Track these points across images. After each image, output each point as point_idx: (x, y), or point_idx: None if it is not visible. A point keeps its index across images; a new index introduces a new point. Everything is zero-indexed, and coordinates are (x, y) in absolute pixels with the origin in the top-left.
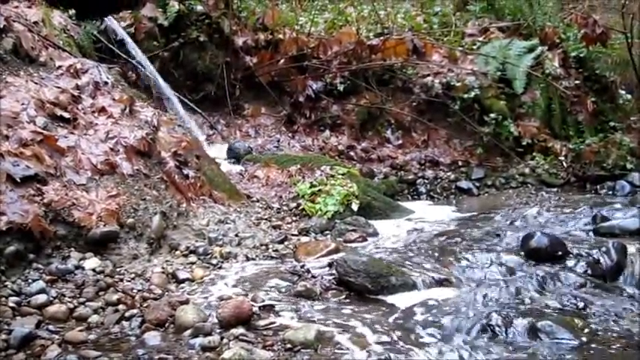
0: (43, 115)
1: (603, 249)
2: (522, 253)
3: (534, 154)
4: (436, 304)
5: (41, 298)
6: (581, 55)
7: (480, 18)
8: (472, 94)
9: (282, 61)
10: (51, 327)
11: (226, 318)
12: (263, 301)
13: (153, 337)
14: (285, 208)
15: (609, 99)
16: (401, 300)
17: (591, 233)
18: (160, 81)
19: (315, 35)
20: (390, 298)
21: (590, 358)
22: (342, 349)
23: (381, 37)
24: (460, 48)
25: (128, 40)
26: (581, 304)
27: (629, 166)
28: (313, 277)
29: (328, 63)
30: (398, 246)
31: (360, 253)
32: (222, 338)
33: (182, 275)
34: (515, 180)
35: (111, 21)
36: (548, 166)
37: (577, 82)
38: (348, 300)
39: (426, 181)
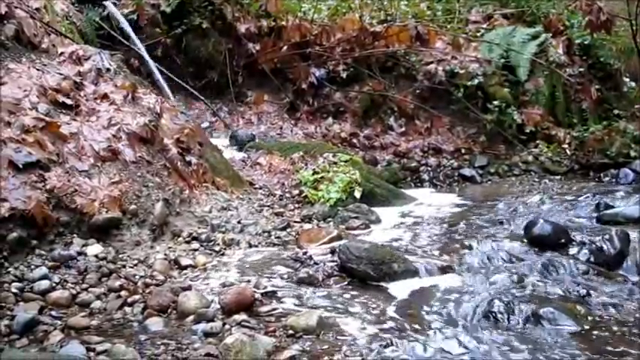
0: (46, 102)
1: (606, 237)
2: (525, 240)
3: (538, 141)
4: (438, 291)
5: (44, 284)
6: (586, 42)
7: (483, 5)
8: (475, 81)
9: (285, 48)
10: (54, 313)
11: (228, 304)
12: (265, 287)
13: (155, 323)
14: (287, 195)
15: (613, 87)
16: (403, 287)
17: (594, 221)
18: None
19: (318, 22)
20: (392, 285)
21: (591, 345)
22: (344, 335)
23: (385, 24)
24: (464, 35)
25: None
26: (583, 292)
27: (632, 154)
28: (315, 263)
29: (331, 50)
30: (400, 233)
31: (362, 240)
32: (224, 324)
33: (185, 262)
34: (518, 168)
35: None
36: (552, 154)
37: (581, 69)
38: (350, 286)
39: (429, 168)
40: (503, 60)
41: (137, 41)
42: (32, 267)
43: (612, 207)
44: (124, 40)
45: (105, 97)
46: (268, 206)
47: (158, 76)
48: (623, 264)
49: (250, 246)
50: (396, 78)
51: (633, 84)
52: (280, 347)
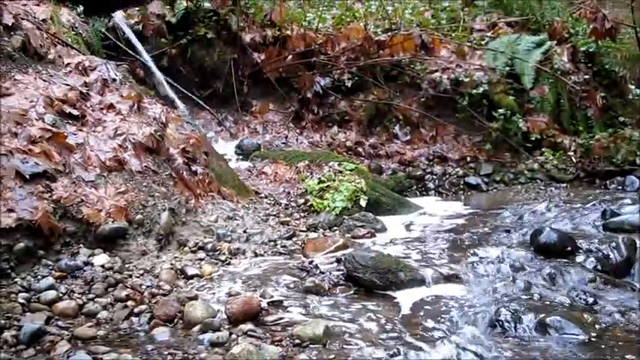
0: (52, 113)
1: (613, 244)
2: (531, 248)
3: (543, 149)
4: (445, 300)
5: (50, 294)
6: (591, 49)
7: (488, 13)
8: (480, 89)
9: (289, 57)
10: (60, 323)
11: (235, 314)
12: (271, 296)
13: (162, 333)
14: (293, 204)
15: (619, 94)
16: (409, 295)
17: (601, 228)
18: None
19: (322, 31)
20: (398, 294)
21: (599, 354)
22: (350, 344)
23: (389, 33)
24: (468, 43)
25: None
26: (590, 300)
27: (638, 161)
28: (321, 272)
29: (336, 59)
30: (406, 242)
31: (368, 248)
32: (230, 334)
33: (191, 271)
34: (524, 175)
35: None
36: (557, 162)
37: (586, 77)
38: (356, 295)
39: (435, 176)
40: (508, 68)
41: (145, 55)
42: (39, 277)
43: (618, 214)
44: (130, 50)
45: (111, 107)
46: (274, 215)
47: (167, 89)
48: (630, 271)
49: (256, 255)
50: (400, 86)
51: (638, 91)
52: (287, 357)
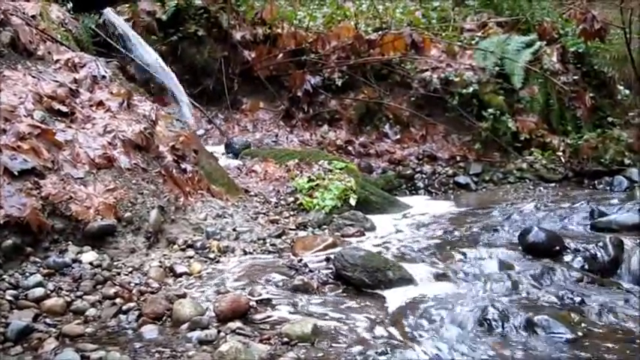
0: (41, 109)
1: (600, 244)
2: (520, 247)
3: (532, 149)
4: (433, 299)
5: (38, 291)
6: (580, 50)
7: (478, 13)
8: (470, 89)
9: (280, 55)
10: (48, 320)
11: (223, 312)
12: (260, 295)
13: (150, 331)
14: (282, 202)
15: (607, 94)
16: (398, 294)
17: (588, 228)
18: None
19: (313, 30)
20: (387, 293)
21: (586, 353)
22: (338, 342)
23: (380, 32)
24: (459, 43)
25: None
26: (577, 299)
27: (626, 161)
28: (310, 271)
29: (326, 58)
30: (395, 240)
31: (357, 247)
32: (219, 332)
33: (180, 269)
34: (513, 175)
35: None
36: (546, 162)
37: (575, 77)
38: (345, 294)
39: (424, 176)
40: (497, 68)
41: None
42: (27, 274)
43: (606, 214)
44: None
45: (100, 104)
46: (263, 214)
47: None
48: (617, 271)
49: (245, 253)
50: (391, 85)
51: (627, 91)
52: (275, 355)
